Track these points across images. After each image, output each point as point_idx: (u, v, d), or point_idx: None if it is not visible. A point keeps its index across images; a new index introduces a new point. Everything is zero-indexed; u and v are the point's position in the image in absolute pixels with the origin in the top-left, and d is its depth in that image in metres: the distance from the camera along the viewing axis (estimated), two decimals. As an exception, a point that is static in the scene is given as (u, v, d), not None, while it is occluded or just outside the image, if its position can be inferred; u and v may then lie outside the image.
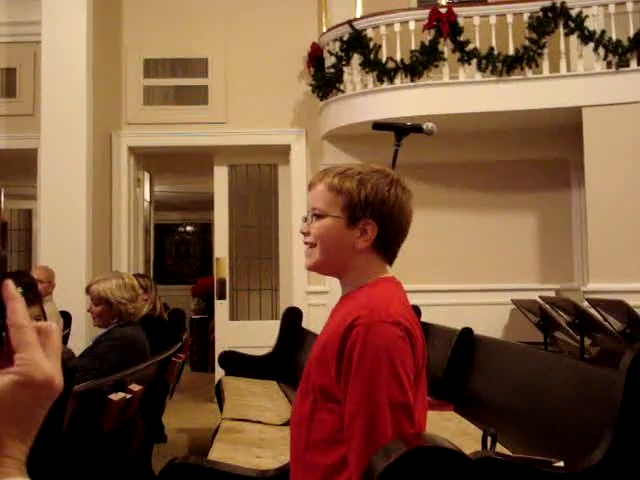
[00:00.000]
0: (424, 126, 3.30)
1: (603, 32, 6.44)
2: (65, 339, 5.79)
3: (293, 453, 1.82)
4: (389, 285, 1.80)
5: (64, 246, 6.69)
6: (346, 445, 1.65)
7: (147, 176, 8.75)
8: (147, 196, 8.79)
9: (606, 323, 4.08)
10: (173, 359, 4.20)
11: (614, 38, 6.42)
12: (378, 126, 3.34)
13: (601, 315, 4.18)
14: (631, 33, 6.39)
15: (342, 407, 1.66)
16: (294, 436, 1.82)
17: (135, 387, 3.08)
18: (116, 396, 2.85)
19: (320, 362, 1.73)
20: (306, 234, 1.83)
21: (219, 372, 6.20)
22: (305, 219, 1.85)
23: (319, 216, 1.80)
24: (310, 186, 1.86)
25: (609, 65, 6.50)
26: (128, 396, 2.96)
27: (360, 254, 1.79)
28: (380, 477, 1.47)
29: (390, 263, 1.85)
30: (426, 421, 1.79)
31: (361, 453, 1.60)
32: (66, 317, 5.99)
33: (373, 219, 1.76)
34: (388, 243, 1.80)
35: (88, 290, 3.81)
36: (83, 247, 6.75)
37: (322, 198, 1.80)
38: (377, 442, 1.59)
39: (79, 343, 5.46)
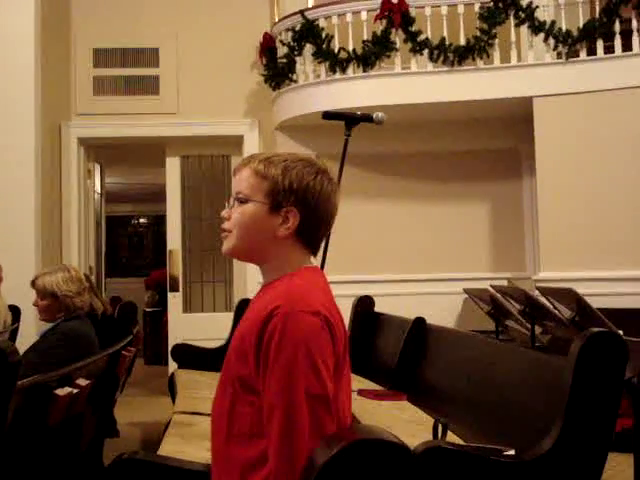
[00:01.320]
0: (374, 116, 3.30)
1: (553, 22, 6.50)
2: (14, 334, 5.68)
3: (214, 446, 1.80)
4: (310, 274, 1.78)
5: (13, 239, 6.57)
6: (265, 439, 1.63)
7: (98, 167, 8.63)
8: (98, 188, 8.67)
9: (556, 311, 4.12)
10: (123, 352, 4.14)
11: (564, 29, 6.48)
12: (328, 115, 3.33)
13: (551, 303, 4.21)
14: (581, 24, 6.45)
15: (262, 399, 1.64)
16: (214, 429, 1.80)
17: (82, 382, 3.03)
18: (62, 391, 2.79)
19: (239, 353, 1.71)
20: (227, 219, 1.81)
21: (172, 365, 6.14)
22: (229, 205, 1.83)
23: (242, 201, 1.78)
24: (235, 171, 1.84)
25: (559, 55, 6.56)
26: (75, 391, 2.90)
27: (281, 242, 1.76)
28: (321, 470, 1.44)
29: (314, 254, 1.83)
30: (351, 412, 1.77)
31: (279, 446, 1.58)
32: (15, 311, 5.87)
33: (296, 207, 1.74)
34: (310, 233, 1.78)
35: (34, 284, 3.73)
36: (32, 240, 6.64)
37: (246, 183, 1.78)
38: (295, 435, 1.56)
39: (29, 338, 5.33)
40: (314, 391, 1.58)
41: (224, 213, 1.82)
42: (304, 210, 1.75)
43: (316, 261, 1.85)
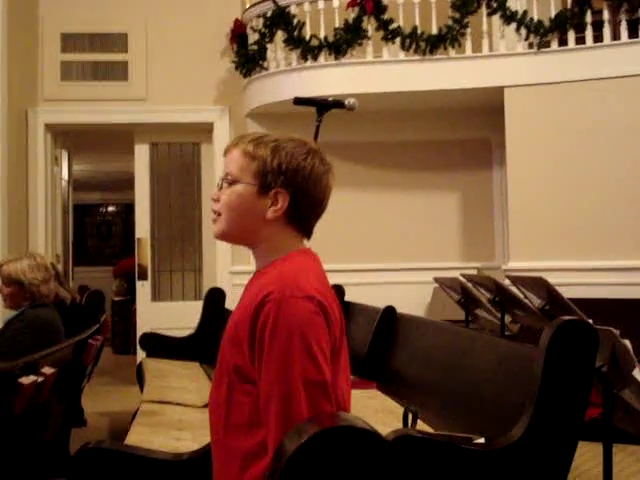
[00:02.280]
0: (346, 102, 3.27)
1: (525, 13, 6.50)
2: (-22, 322, 5.59)
3: (213, 437, 1.75)
4: (302, 258, 1.73)
5: (-23, 227, 6.47)
6: (264, 428, 1.59)
7: (65, 154, 8.51)
8: (65, 175, 8.56)
9: (526, 300, 4.13)
10: (90, 341, 4.08)
11: (536, 19, 6.48)
12: (299, 101, 3.30)
13: (521, 292, 4.22)
14: (552, 14, 6.45)
15: (258, 388, 1.60)
16: (213, 421, 1.75)
17: (48, 370, 2.97)
18: (27, 379, 2.73)
19: (233, 342, 1.66)
20: (216, 201, 1.76)
21: (141, 354, 6.09)
22: (219, 186, 1.78)
23: (231, 182, 1.73)
24: (225, 152, 1.79)
25: (530, 46, 6.56)
26: (40, 379, 2.85)
27: (271, 225, 1.72)
28: (290, 458, 1.41)
29: (307, 237, 1.79)
30: (350, 396, 1.74)
31: (278, 435, 1.53)
32: (-21, 299, 5.78)
33: (285, 188, 1.70)
34: (301, 215, 1.74)
35: (-1, 271, 3.67)
36: (-3, 228, 6.54)
37: (235, 164, 1.73)
38: (292, 423, 1.52)
39: (-7, 326, 5.28)
40: (311, 378, 1.54)
41: (213, 195, 1.78)
42: (294, 191, 1.70)
43: (309, 245, 1.81)
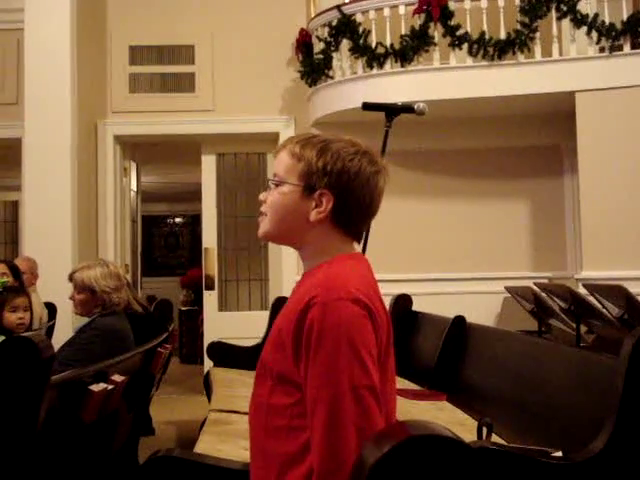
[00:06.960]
0: (415, 106, 3.22)
1: (596, 15, 6.35)
2: (50, 330, 5.68)
3: (252, 440, 1.73)
4: (350, 262, 1.68)
5: (49, 237, 6.59)
6: (309, 432, 1.55)
7: (134, 166, 8.63)
8: (134, 186, 8.67)
9: (603, 310, 4.00)
10: (159, 350, 4.09)
11: (607, 22, 6.33)
12: (368, 106, 3.26)
13: (598, 301, 4.09)
14: (624, 16, 6.30)
15: (300, 392, 1.57)
16: (253, 424, 1.72)
17: (118, 378, 2.98)
18: (97, 387, 2.74)
19: (276, 346, 1.64)
20: (264, 202, 1.75)
21: (208, 363, 6.10)
22: (267, 188, 1.78)
23: (277, 184, 1.72)
24: (275, 154, 1.79)
25: (602, 49, 6.41)
26: (110, 387, 2.86)
27: (316, 227, 1.69)
28: (371, 470, 1.35)
29: (356, 240, 1.75)
30: (395, 406, 1.69)
31: (323, 440, 1.50)
32: (51, 308, 5.88)
33: (330, 190, 1.66)
34: (348, 218, 1.70)
35: (71, 277, 3.70)
36: (68, 238, 6.65)
37: (282, 165, 1.73)
38: (340, 429, 1.48)
39: (64, 335, 5.33)
40: (360, 382, 1.50)
41: (261, 196, 1.78)
42: (339, 193, 1.66)
43: (359, 247, 1.76)
